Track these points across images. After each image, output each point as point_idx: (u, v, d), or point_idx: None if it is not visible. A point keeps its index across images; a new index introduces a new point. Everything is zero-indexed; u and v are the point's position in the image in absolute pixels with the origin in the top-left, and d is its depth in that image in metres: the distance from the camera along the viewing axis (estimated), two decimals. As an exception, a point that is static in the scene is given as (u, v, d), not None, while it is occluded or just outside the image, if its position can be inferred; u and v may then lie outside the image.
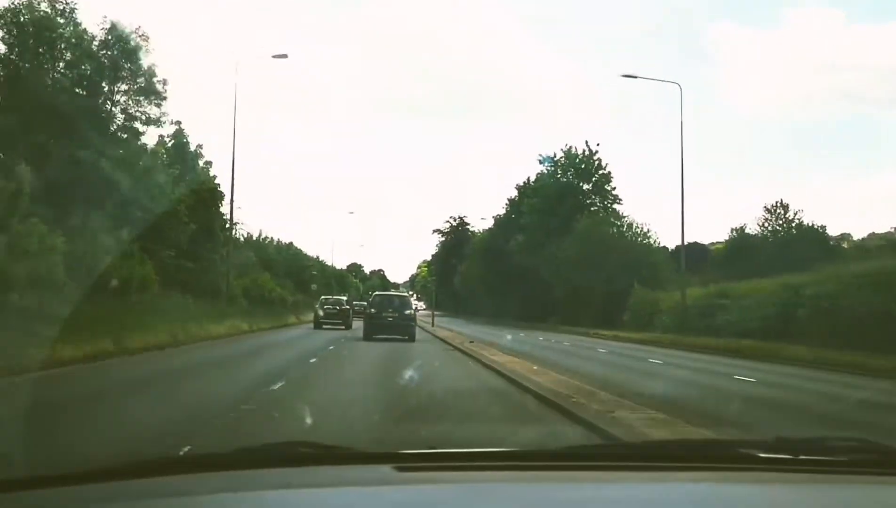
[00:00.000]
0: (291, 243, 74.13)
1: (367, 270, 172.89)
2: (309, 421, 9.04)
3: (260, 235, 63.89)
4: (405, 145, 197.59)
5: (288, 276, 59.77)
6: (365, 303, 74.93)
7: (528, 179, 74.42)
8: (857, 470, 2.20)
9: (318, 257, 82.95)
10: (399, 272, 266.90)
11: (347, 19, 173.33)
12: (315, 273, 72.69)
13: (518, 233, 69.08)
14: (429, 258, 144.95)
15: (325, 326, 39.08)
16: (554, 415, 10.36)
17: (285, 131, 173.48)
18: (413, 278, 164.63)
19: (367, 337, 29.13)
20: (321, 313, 40.82)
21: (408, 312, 30.55)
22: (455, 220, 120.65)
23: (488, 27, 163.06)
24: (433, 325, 46.14)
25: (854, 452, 2.30)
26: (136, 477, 1.97)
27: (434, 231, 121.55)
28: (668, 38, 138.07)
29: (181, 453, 5.41)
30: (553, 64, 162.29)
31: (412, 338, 29.38)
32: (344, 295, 56.88)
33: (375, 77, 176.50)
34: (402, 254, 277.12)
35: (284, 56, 34.89)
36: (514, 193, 78.04)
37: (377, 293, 37.73)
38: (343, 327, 39.02)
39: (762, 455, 2.25)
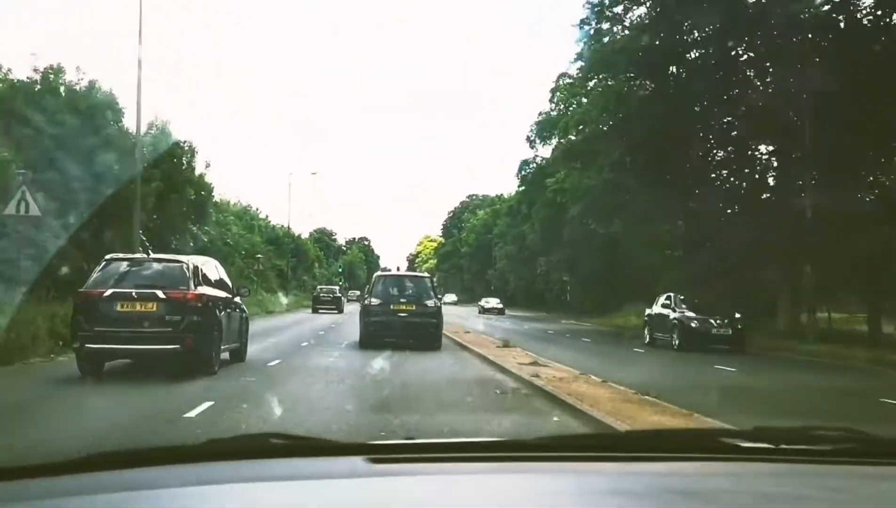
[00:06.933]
0: None
1: (341, 240, 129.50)
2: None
3: None
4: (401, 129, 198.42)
5: None
6: (335, 289, 56.49)
7: None
8: (841, 460, 2.17)
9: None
10: (391, 253, 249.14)
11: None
12: None
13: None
14: (435, 234, 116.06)
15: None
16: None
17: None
18: (412, 259, 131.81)
19: (367, 342, 19.99)
20: None
21: (430, 304, 20.93)
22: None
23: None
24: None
25: (838, 441, 2.26)
26: (101, 470, 1.91)
27: None
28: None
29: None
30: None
31: (437, 346, 20.23)
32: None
33: (366, 55, 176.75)
34: (393, 232, 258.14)
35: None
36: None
37: (380, 273, 25.53)
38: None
39: (743, 444, 2.21)
